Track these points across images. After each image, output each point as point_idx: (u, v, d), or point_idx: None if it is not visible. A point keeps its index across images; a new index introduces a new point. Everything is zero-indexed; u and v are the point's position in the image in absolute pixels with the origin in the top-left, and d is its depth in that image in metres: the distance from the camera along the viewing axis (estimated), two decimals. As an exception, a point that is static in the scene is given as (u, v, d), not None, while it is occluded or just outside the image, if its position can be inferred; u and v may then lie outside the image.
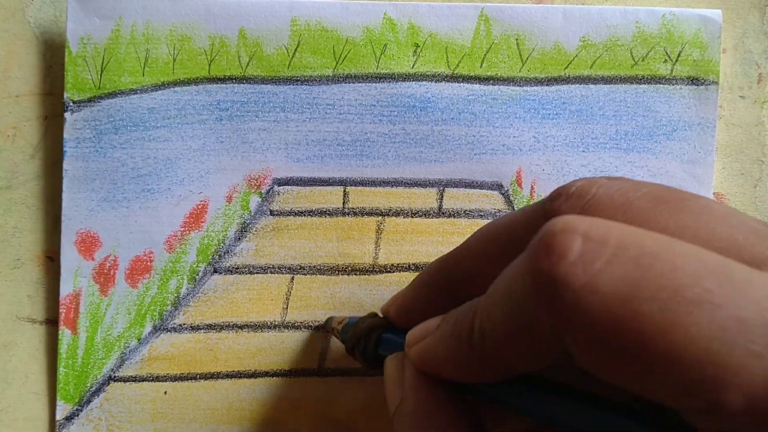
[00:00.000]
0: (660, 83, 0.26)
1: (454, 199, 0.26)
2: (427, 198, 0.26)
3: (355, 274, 0.26)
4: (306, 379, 0.25)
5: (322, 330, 0.26)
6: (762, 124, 0.27)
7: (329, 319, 0.25)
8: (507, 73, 0.26)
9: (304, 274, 0.26)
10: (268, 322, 0.26)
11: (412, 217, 0.26)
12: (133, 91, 0.25)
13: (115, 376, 0.25)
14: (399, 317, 0.20)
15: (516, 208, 0.26)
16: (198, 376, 0.25)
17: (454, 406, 0.16)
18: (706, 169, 0.26)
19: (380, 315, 0.22)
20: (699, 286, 0.11)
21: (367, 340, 0.21)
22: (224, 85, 0.25)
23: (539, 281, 0.12)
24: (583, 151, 0.26)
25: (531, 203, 0.16)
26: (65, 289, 0.25)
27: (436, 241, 0.26)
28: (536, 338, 0.13)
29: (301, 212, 0.26)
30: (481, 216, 0.26)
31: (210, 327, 0.25)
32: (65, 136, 0.25)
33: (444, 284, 0.19)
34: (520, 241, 0.15)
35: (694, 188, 0.26)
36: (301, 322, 0.26)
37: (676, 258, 0.12)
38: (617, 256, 0.12)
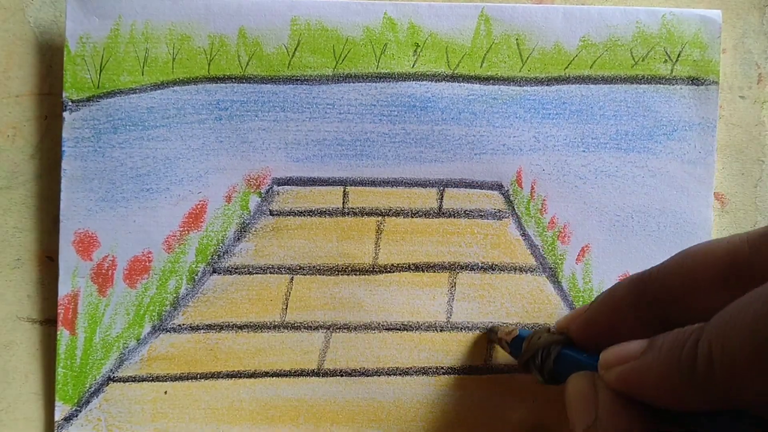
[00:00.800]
0: (660, 83, 0.26)
1: (454, 199, 0.26)
2: (427, 198, 0.26)
3: (355, 274, 0.26)
4: (306, 379, 0.25)
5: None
6: (762, 124, 0.27)
7: (494, 329, 0.25)
8: (507, 73, 0.26)
9: (304, 274, 0.26)
10: (268, 323, 0.25)
11: (412, 217, 0.26)
12: (133, 91, 0.25)
13: (114, 377, 0.25)
14: (581, 335, 0.20)
15: (516, 208, 0.26)
16: (198, 376, 0.25)
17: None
18: (706, 169, 0.26)
19: (552, 329, 0.22)
20: None
21: (546, 356, 0.21)
22: (224, 85, 0.25)
23: None
24: (584, 151, 0.26)
25: (754, 230, 0.16)
26: (63, 290, 0.25)
27: (436, 241, 0.26)
28: None
29: (301, 212, 0.26)
30: (481, 216, 0.26)
31: (209, 327, 0.25)
32: (64, 135, 0.25)
33: (637, 304, 0.19)
34: (746, 268, 0.15)
35: (694, 188, 0.26)
36: (301, 323, 0.25)
37: None
38: None
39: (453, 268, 0.26)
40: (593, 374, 0.18)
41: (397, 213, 0.26)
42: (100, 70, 0.25)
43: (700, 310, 0.16)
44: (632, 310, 0.19)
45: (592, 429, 0.17)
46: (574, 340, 0.21)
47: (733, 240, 0.17)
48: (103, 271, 0.25)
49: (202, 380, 0.25)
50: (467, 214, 0.26)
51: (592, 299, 0.22)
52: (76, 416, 0.25)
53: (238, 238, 0.26)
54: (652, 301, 0.18)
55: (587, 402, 0.18)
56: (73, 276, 0.25)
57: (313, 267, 0.26)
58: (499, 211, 0.26)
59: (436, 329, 0.25)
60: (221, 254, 0.26)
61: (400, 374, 0.25)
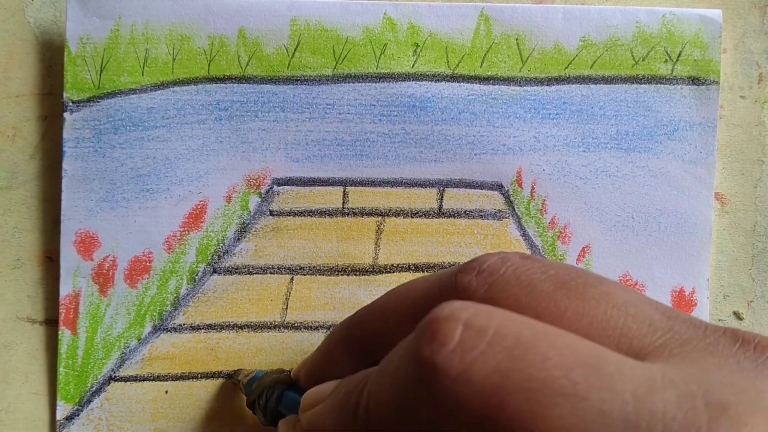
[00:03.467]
0: (660, 83, 0.26)
1: (454, 199, 0.26)
2: (427, 198, 0.26)
3: (355, 275, 0.25)
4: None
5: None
6: (762, 124, 0.27)
7: (237, 371, 0.24)
8: (507, 73, 0.26)
9: (304, 274, 0.26)
10: (268, 323, 0.25)
11: (412, 217, 0.26)
12: (133, 91, 0.25)
13: (115, 376, 0.25)
14: (308, 381, 0.20)
15: (516, 209, 0.26)
16: (198, 376, 0.25)
17: None
18: (707, 169, 0.26)
19: (285, 371, 0.22)
20: (567, 378, 0.11)
21: (269, 395, 0.21)
22: (224, 85, 0.25)
23: (420, 367, 0.12)
24: (584, 151, 0.26)
25: (447, 270, 0.16)
26: (64, 290, 0.25)
27: (436, 241, 0.26)
28: (418, 422, 0.13)
29: (301, 212, 0.26)
30: (481, 216, 0.26)
31: (210, 327, 0.25)
32: (64, 136, 0.25)
33: (348, 348, 0.19)
34: (429, 309, 0.15)
35: (695, 188, 0.26)
36: (301, 323, 0.25)
37: (550, 349, 0.12)
38: (492, 346, 0.12)
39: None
40: (297, 418, 0.19)
41: (397, 213, 0.26)
42: (101, 71, 0.25)
43: None
44: (345, 354, 0.19)
45: None
46: (303, 386, 0.20)
47: (428, 280, 0.17)
48: (104, 271, 0.25)
49: (203, 380, 0.25)
50: (467, 214, 0.26)
51: None
52: (78, 415, 0.25)
53: (239, 238, 0.26)
54: (360, 343, 0.18)
55: None
56: (74, 276, 0.25)
57: (313, 267, 0.26)
58: (500, 211, 0.26)
59: (436, 329, 0.25)
60: (221, 254, 0.25)
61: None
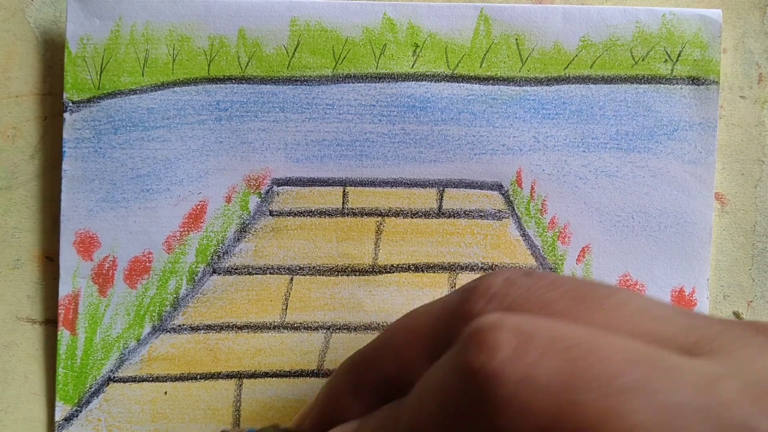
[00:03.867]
0: (660, 83, 0.26)
1: (454, 199, 0.26)
2: (426, 198, 0.26)
3: (355, 275, 0.26)
4: (306, 380, 0.25)
5: None
6: (762, 124, 0.27)
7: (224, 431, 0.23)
8: (507, 73, 0.26)
9: (304, 274, 0.26)
10: (268, 323, 0.25)
11: (412, 217, 0.26)
12: (133, 92, 0.25)
13: (114, 377, 0.25)
14: (314, 430, 0.19)
15: (516, 209, 0.26)
16: (198, 377, 0.25)
17: None
18: (707, 169, 0.26)
19: (282, 426, 0.21)
20: (631, 374, 0.11)
21: None
22: (223, 86, 0.25)
23: (474, 377, 0.12)
24: (584, 151, 0.26)
25: (449, 298, 0.16)
26: (64, 290, 0.25)
27: (436, 241, 0.26)
28: None
29: (301, 212, 0.26)
30: (481, 216, 0.26)
31: (209, 327, 0.25)
32: (64, 136, 0.25)
33: (356, 390, 0.18)
34: (446, 338, 0.15)
35: (695, 188, 0.26)
36: (301, 323, 0.25)
37: (606, 348, 0.12)
38: (549, 349, 0.12)
39: (453, 268, 0.26)
40: None
41: (397, 213, 0.26)
42: (101, 71, 0.25)
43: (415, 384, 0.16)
44: (353, 397, 0.18)
45: None
46: None
47: (431, 311, 0.16)
48: (104, 271, 0.25)
49: (202, 380, 0.25)
50: (467, 214, 0.26)
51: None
52: (77, 416, 0.25)
53: (238, 239, 0.26)
54: (368, 384, 0.18)
55: None
56: (73, 276, 0.25)
57: (313, 267, 0.26)
58: (499, 211, 0.26)
59: (436, 329, 0.26)
60: (221, 255, 0.26)
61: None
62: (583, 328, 0.13)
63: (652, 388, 0.11)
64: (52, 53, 0.26)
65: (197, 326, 0.25)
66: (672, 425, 0.11)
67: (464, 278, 0.25)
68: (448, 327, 0.15)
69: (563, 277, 0.15)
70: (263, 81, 0.25)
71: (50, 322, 0.26)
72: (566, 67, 0.26)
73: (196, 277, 0.25)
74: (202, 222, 0.26)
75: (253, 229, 0.26)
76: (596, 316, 0.14)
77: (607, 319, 0.14)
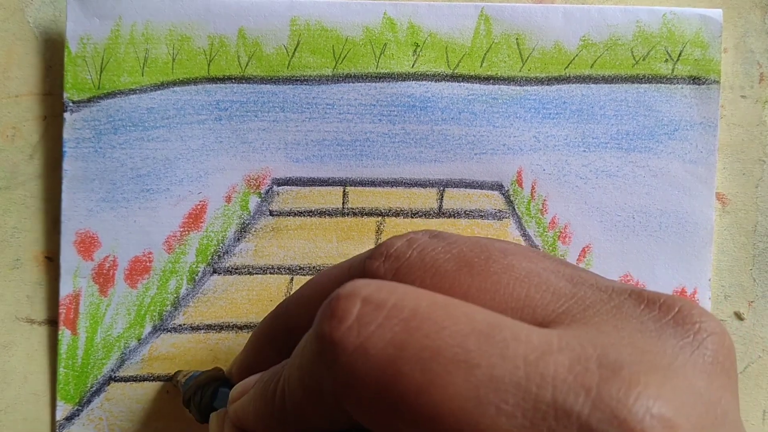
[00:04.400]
0: (661, 83, 0.26)
1: (454, 199, 0.26)
2: (427, 198, 0.26)
3: (355, 275, 0.26)
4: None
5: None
6: (763, 123, 0.27)
7: (177, 373, 0.24)
8: (507, 73, 0.26)
9: (304, 274, 0.26)
10: (268, 323, 0.26)
11: (412, 217, 0.26)
12: (133, 91, 0.25)
13: (115, 376, 0.25)
14: (239, 377, 0.20)
15: (516, 209, 0.26)
16: (198, 377, 0.25)
17: None
18: (708, 168, 0.26)
19: (220, 371, 0.22)
20: (460, 346, 0.12)
21: (204, 393, 0.21)
22: (223, 85, 0.25)
23: (322, 345, 0.13)
24: (584, 150, 0.26)
25: (359, 255, 0.17)
26: (65, 290, 0.25)
27: (436, 241, 0.26)
28: (324, 401, 0.13)
29: (301, 212, 0.26)
30: (482, 216, 0.26)
31: (210, 327, 0.25)
32: (65, 136, 0.25)
33: (277, 339, 0.19)
34: None
35: (696, 188, 0.26)
36: (301, 323, 0.26)
37: (446, 319, 0.12)
38: (389, 319, 0.12)
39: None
40: (225, 411, 0.19)
41: (397, 213, 0.26)
42: (101, 71, 0.25)
43: None
44: (271, 348, 0.19)
45: None
46: (235, 381, 0.20)
47: (342, 267, 0.17)
48: (104, 271, 0.25)
49: (203, 380, 0.25)
50: (467, 214, 0.26)
51: None
52: (78, 415, 0.25)
53: (238, 239, 0.26)
54: (283, 335, 0.18)
55: None
56: (74, 276, 0.25)
57: (313, 267, 0.26)
58: (500, 211, 0.26)
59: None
60: (221, 254, 0.26)
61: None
62: (435, 296, 0.13)
63: (475, 361, 0.11)
64: (52, 53, 0.26)
65: (198, 326, 0.25)
66: (485, 400, 0.11)
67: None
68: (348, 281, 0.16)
69: (465, 239, 0.15)
70: (263, 81, 0.25)
71: (50, 322, 0.26)
72: (567, 67, 0.26)
73: (197, 277, 0.25)
74: (202, 222, 0.26)
75: (253, 229, 0.26)
76: (477, 280, 0.14)
77: (486, 284, 0.14)
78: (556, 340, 0.12)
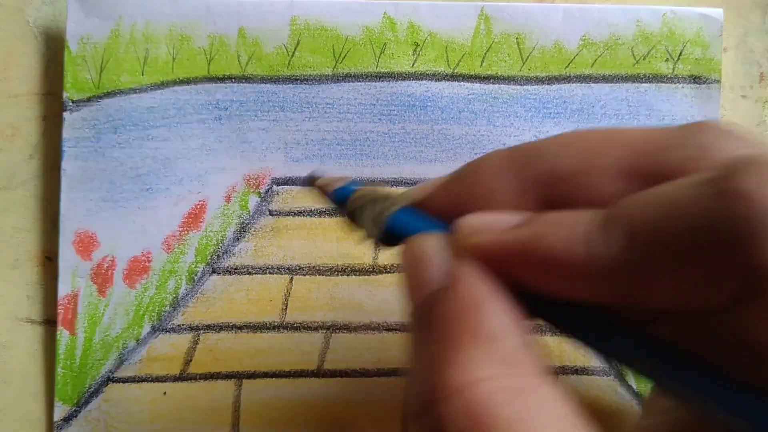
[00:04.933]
0: (661, 82, 0.26)
1: (455, 198, 0.26)
2: (427, 198, 0.26)
3: (355, 275, 0.26)
4: (305, 380, 0.25)
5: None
6: (764, 123, 0.27)
7: (314, 175, 0.19)
8: (507, 72, 0.26)
9: (303, 274, 0.26)
10: (267, 323, 0.26)
11: (412, 217, 0.26)
12: (133, 91, 0.25)
13: (113, 377, 0.25)
14: (439, 203, 0.16)
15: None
16: (197, 377, 0.25)
17: (517, 315, 0.14)
18: (707, 168, 0.26)
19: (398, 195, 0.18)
20: None
21: (383, 209, 0.16)
22: (223, 85, 0.26)
23: (739, 203, 0.11)
24: (584, 150, 0.26)
25: (677, 127, 0.14)
26: (63, 290, 0.25)
27: (437, 241, 0.26)
28: (709, 273, 0.11)
29: (301, 212, 0.26)
30: (482, 216, 0.26)
31: (209, 327, 0.26)
32: (64, 135, 0.25)
33: (526, 179, 0.15)
34: (668, 169, 0.13)
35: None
36: (300, 323, 0.26)
37: None
38: None
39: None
40: (448, 237, 0.15)
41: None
42: (101, 71, 0.25)
43: (594, 201, 0.13)
44: (512, 186, 0.15)
45: (435, 298, 0.14)
46: (431, 210, 0.16)
47: (652, 129, 0.14)
48: (103, 271, 0.25)
49: (202, 381, 0.25)
50: (467, 213, 0.26)
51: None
52: (76, 416, 0.25)
53: (238, 238, 0.26)
54: (535, 177, 0.15)
55: (434, 267, 0.15)
56: (73, 276, 0.25)
57: (313, 267, 0.26)
58: (500, 210, 0.26)
59: (437, 330, 0.26)
60: (221, 254, 0.26)
61: (399, 374, 0.25)
62: None
63: None
64: (52, 53, 0.26)
65: (197, 326, 0.25)
66: None
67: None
68: (673, 148, 0.14)
69: None
70: (263, 80, 0.26)
71: (50, 322, 0.26)
72: (567, 66, 0.26)
73: (196, 277, 0.26)
74: (201, 222, 0.26)
75: (253, 229, 0.26)
76: None
77: None
78: None
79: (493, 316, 0.13)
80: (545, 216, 0.14)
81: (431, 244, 0.15)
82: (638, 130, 0.15)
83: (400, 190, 0.18)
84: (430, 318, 0.14)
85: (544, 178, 0.15)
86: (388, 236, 0.16)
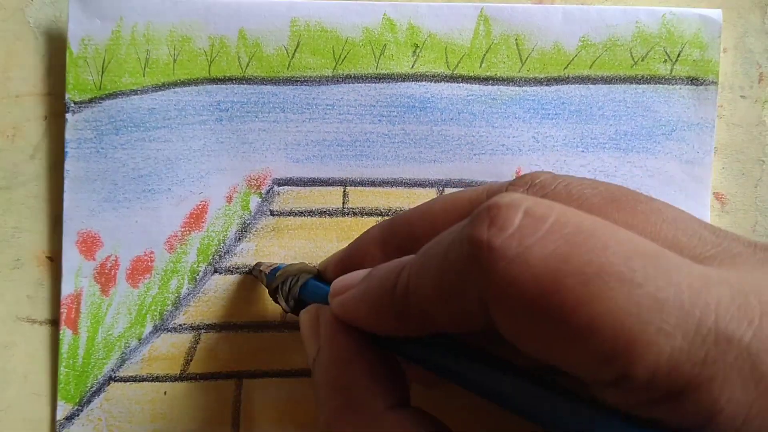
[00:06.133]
0: (659, 83, 0.26)
1: (454, 199, 0.26)
2: (426, 198, 0.26)
3: (355, 274, 0.26)
4: (306, 380, 0.26)
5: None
6: (763, 123, 0.27)
7: (258, 264, 0.25)
8: (506, 73, 0.26)
9: (304, 274, 0.26)
10: (268, 323, 0.26)
11: (411, 217, 0.26)
12: (134, 92, 0.26)
13: (115, 376, 0.26)
14: (336, 274, 0.20)
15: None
16: (198, 377, 0.26)
17: (372, 357, 0.17)
18: (704, 169, 0.26)
19: (308, 266, 0.23)
20: (624, 265, 0.12)
21: (293, 282, 0.22)
22: (224, 86, 0.26)
23: (476, 247, 0.13)
24: (582, 151, 0.27)
25: (496, 183, 0.18)
26: (66, 289, 0.26)
27: (436, 241, 0.26)
28: (462, 302, 0.14)
29: (301, 212, 0.26)
30: (481, 216, 0.27)
31: (210, 327, 0.26)
32: (66, 136, 0.26)
33: (385, 245, 0.20)
34: None
35: (692, 188, 0.27)
36: (301, 323, 0.26)
37: (610, 239, 0.13)
38: (552, 232, 0.13)
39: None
40: (319, 306, 0.20)
41: (397, 213, 0.26)
42: (102, 72, 0.26)
43: None
44: (381, 251, 0.20)
45: (315, 361, 0.18)
46: (330, 277, 0.21)
47: (476, 191, 0.18)
48: (106, 270, 0.26)
49: (202, 380, 0.26)
50: (467, 214, 0.26)
51: None
52: (78, 415, 0.26)
53: (239, 239, 0.26)
54: (399, 243, 0.19)
55: (313, 333, 0.19)
56: (76, 276, 0.26)
57: (314, 267, 0.26)
58: (499, 211, 0.27)
59: (437, 329, 0.26)
60: (222, 254, 0.26)
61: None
62: (596, 218, 0.13)
63: (639, 281, 0.12)
64: (53, 53, 0.27)
65: (198, 325, 0.26)
66: (646, 318, 0.12)
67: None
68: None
69: (606, 183, 0.16)
70: (263, 81, 0.26)
71: (51, 322, 0.26)
72: (566, 68, 0.26)
73: (198, 277, 0.26)
74: (203, 222, 0.26)
75: (254, 229, 0.26)
76: (625, 216, 0.15)
77: (634, 221, 0.14)
78: (715, 274, 0.12)
79: (345, 368, 0.17)
80: (375, 269, 0.17)
81: (308, 316, 0.20)
82: (467, 193, 0.18)
83: (311, 265, 0.23)
84: (314, 378, 0.18)
85: (404, 243, 0.19)
86: (301, 308, 0.21)
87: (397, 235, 0.19)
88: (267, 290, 0.24)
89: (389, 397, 0.16)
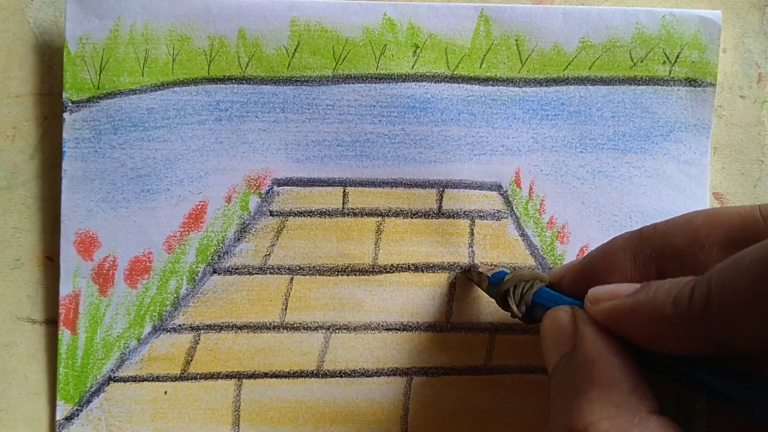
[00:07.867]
0: (658, 84, 0.27)
1: (454, 199, 0.27)
2: (426, 198, 0.27)
3: (355, 275, 0.26)
4: (305, 380, 0.26)
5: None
6: (762, 123, 0.28)
7: (474, 265, 0.26)
8: (506, 74, 0.27)
9: (304, 274, 0.26)
10: (268, 323, 0.26)
11: (411, 217, 0.27)
12: (133, 92, 0.26)
13: (114, 377, 0.26)
14: (573, 283, 0.21)
15: (515, 209, 0.27)
16: (198, 376, 0.26)
17: (633, 362, 0.17)
18: (702, 169, 0.27)
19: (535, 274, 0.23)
20: None
21: (527, 288, 0.22)
22: (224, 86, 0.26)
23: None
24: (581, 151, 0.27)
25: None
26: (65, 290, 0.26)
27: (436, 241, 0.27)
28: None
29: (301, 213, 0.27)
30: (481, 216, 0.27)
31: (209, 327, 0.26)
32: (64, 136, 0.26)
33: (636, 256, 0.20)
34: (756, 234, 0.16)
35: (690, 188, 0.27)
36: (300, 323, 0.26)
37: None
38: None
39: (453, 268, 0.26)
40: (574, 308, 0.19)
41: (397, 213, 0.27)
42: (100, 71, 0.26)
43: (701, 270, 0.16)
44: (630, 262, 0.20)
45: (567, 357, 0.18)
46: (567, 288, 0.21)
47: (745, 208, 0.18)
48: (104, 271, 0.26)
49: (202, 380, 0.26)
50: (466, 214, 0.27)
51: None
52: (77, 415, 0.26)
53: (238, 239, 0.27)
54: (652, 254, 0.19)
55: (565, 333, 0.19)
56: (74, 276, 0.26)
57: (313, 267, 0.26)
58: (498, 211, 0.27)
59: (436, 329, 0.26)
60: (221, 254, 0.26)
61: (399, 374, 0.26)
62: None
63: None
64: (52, 53, 0.27)
65: (197, 326, 0.26)
66: None
67: (464, 278, 0.27)
68: (758, 228, 0.17)
69: None
70: (263, 81, 0.26)
71: (51, 322, 0.26)
72: (565, 68, 0.27)
73: (197, 277, 0.26)
74: (202, 222, 0.26)
75: (254, 229, 0.27)
76: None
77: None
78: None
79: (608, 367, 0.17)
80: (652, 283, 0.17)
81: (561, 316, 0.19)
82: (733, 209, 0.18)
83: (543, 273, 0.23)
84: (563, 374, 0.18)
85: (659, 255, 0.19)
86: (530, 314, 0.21)
87: (651, 247, 0.19)
88: (481, 291, 0.24)
89: (651, 403, 0.17)
